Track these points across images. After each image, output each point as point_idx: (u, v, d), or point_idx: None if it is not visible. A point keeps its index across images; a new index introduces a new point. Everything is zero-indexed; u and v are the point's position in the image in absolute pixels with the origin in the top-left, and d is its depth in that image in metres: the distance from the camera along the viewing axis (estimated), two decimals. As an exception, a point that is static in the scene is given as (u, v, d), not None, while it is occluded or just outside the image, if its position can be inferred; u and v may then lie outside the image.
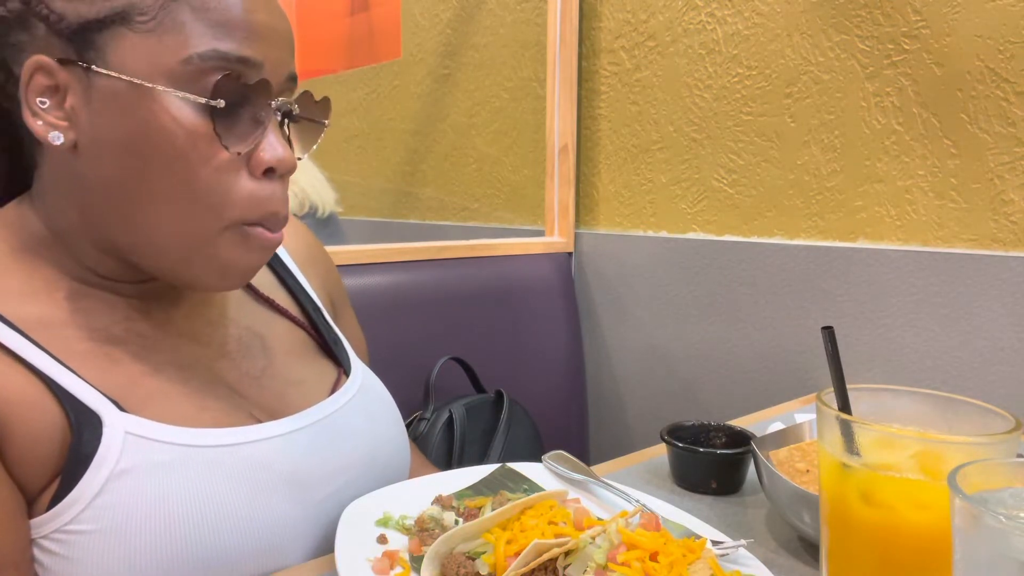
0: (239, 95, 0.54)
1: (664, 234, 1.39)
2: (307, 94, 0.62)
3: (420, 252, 1.32)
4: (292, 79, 0.60)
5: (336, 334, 0.78)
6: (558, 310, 1.48)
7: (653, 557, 0.53)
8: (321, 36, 2.34)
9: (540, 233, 1.58)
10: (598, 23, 1.46)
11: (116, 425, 0.55)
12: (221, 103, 0.54)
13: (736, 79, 1.25)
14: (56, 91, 0.55)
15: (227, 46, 0.54)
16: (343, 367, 0.76)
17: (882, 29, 1.08)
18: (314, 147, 0.65)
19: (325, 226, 1.70)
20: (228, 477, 0.58)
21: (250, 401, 0.65)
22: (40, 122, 0.55)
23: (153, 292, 0.64)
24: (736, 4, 1.24)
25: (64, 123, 0.55)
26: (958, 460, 0.39)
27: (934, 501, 0.44)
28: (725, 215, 1.29)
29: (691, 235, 1.34)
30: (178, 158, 0.54)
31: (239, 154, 0.56)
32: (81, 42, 0.54)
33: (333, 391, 0.72)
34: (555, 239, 1.53)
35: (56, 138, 0.55)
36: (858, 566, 0.48)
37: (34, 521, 0.54)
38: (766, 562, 0.60)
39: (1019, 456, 0.42)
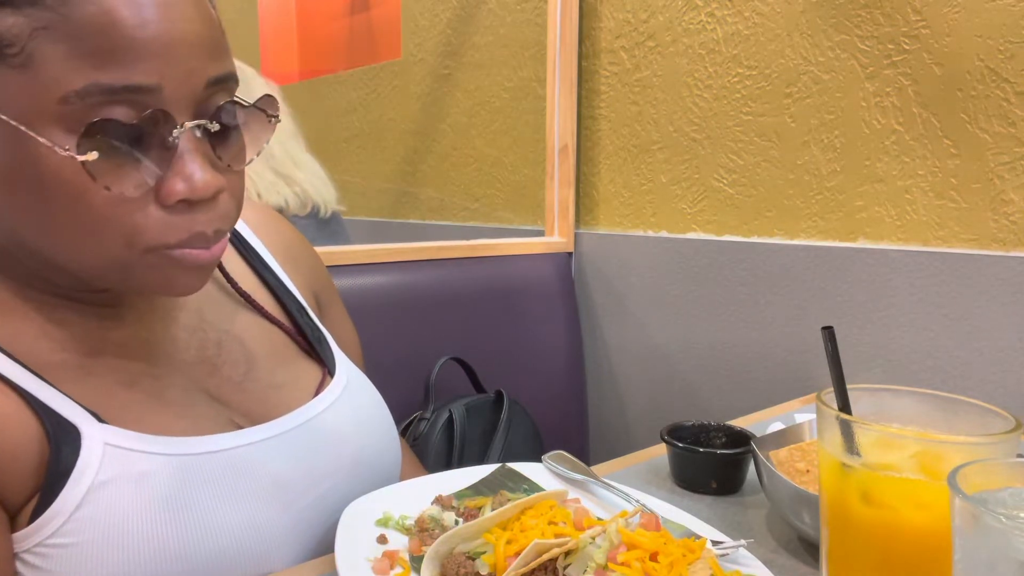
0: (124, 136, 0.49)
1: (664, 234, 1.39)
2: (232, 103, 0.55)
3: (420, 252, 1.32)
4: (216, 83, 0.53)
5: (321, 333, 0.76)
6: (558, 310, 1.48)
7: (653, 557, 0.53)
8: (321, 36, 2.34)
9: (540, 233, 1.58)
10: (598, 23, 1.46)
11: (95, 436, 0.54)
12: (93, 156, 0.48)
13: (736, 79, 1.25)
14: None
15: (110, 76, 0.47)
16: (328, 367, 0.74)
17: (882, 29, 1.08)
18: (265, 144, 0.58)
19: (327, 225, 1.69)
20: (210, 485, 0.57)
21: (231, 407, 0.64)
22: None
23: (125, 300, 0.62)
24: (736, 4, 1.24)
25: None
26: (958, 460, 0.39)
27: (934, 501, 0.44)
28: (725, 215, 1.29)
29: (691, 235, 1.34)
30: (68, 200, 0.50)
31: (133, 193, 0.50)
32: None
33: (317, 392, 0.70)
34: (555, 239, 1.53)
35: None
36: (858, 566, 0.48)
37: (15, 536, 0.53)
38: (766, 562, 0.60)
39: (1019, 456, 0.42)
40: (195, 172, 0.51)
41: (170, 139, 0.50)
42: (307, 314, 0.77)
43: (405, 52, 1.97)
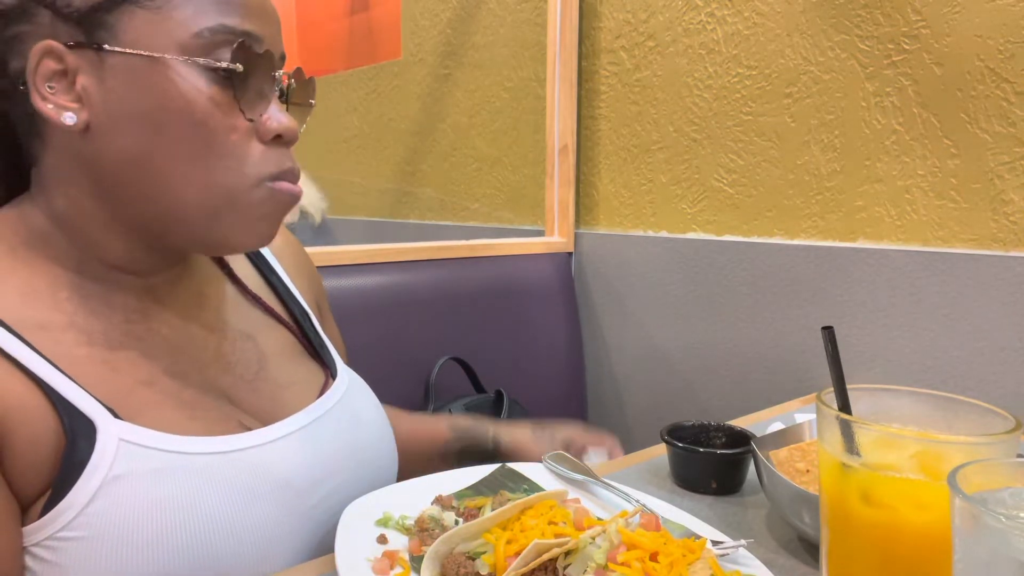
0: (251, 64, 0.57)
1: (664, 234, 1.39)
2: (299, 70, 0.65)
3: (420, 252, 1.32)
4: (283, 58, 0.62)
5: (322, 338, 0.79)
6: (558, 310, 1.48)
7: (653, 557, 0.53)
8: (321, 36, 2.34)
9: (540, 233, 1.58)
10: (598, 23, 1.46)
11: (110, 432, 0.55)
12: (239, 67, 0.56)
13: (736, 79, 1.25)
14: (65, 75, 0.56)
15: (233, 20, 0.57)
16: (330, 369, 0.76)
17: (882, 29, 1.08)
18: (303, 126, 0.66)
19: (319, 233, 1.70)
20: (220, 484, 0.58)
21: (242, 407, 0.65)
22: (51, 105, 0.56)
23: (153, 291, 0.64)
24: (736, 4, 1.24)
25: (75, 104, 0.56)
26: (958, 460, 0.39)
27: (934, 501, 0.44)
28: (725, 215, 1.29)
29: (691, 235, 1.34)
30: (198, 125, 0.56)
31: (252, 120, 0.58)
32: (91, 24, 0.55)
33: (321, 393, 0.72)
34: (555, 239, 1.53)
35: (69, 118, 0.55)
36: (858, 566, 0.48)
37: (26, 528, 0.54)
38: (766, 562, 0.60)
39: (1019, 456, 0.42)
40: (283, 115, 0.60)
41: (267, 85, 0.59)
42: (310, 319, 0.79)
43: (405, 52, 1.97)
